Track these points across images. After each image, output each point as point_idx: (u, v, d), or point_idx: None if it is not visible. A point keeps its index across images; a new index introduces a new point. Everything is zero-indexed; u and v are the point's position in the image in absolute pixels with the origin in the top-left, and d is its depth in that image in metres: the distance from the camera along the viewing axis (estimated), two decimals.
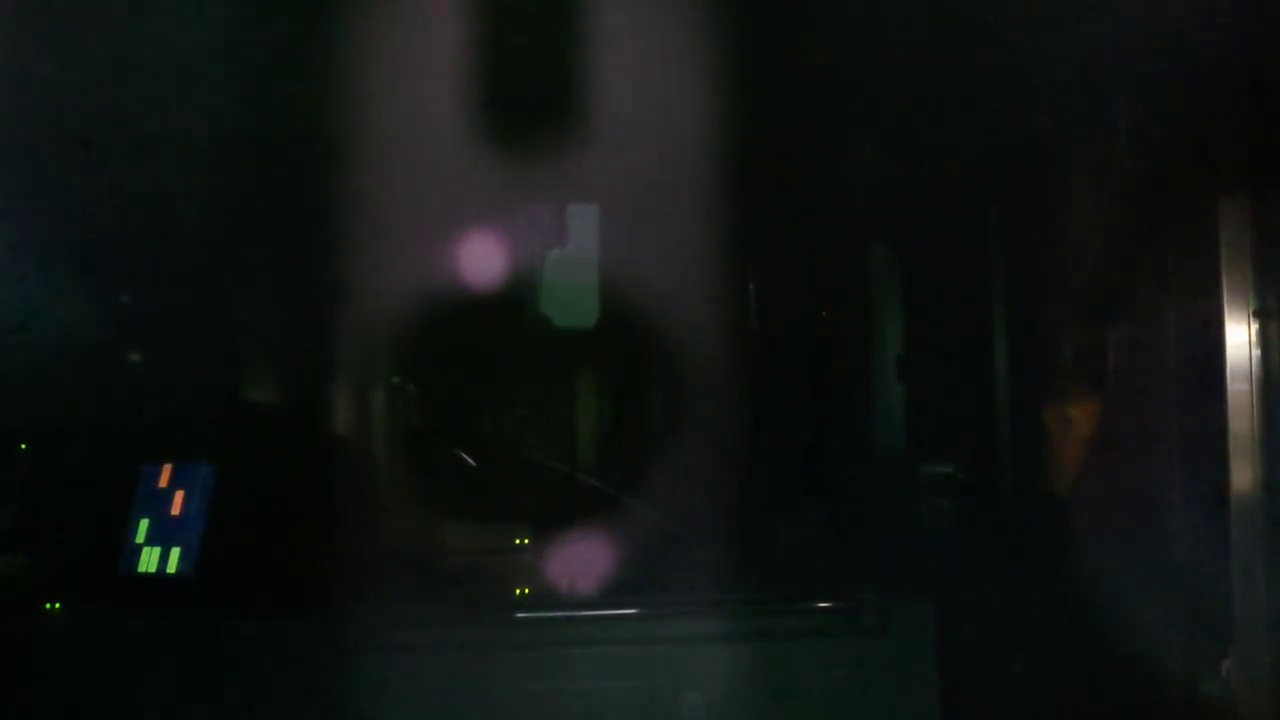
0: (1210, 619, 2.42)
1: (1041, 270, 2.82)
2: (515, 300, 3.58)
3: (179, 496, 3.08)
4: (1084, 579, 2.60)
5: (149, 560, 3.02)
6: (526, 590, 3.14)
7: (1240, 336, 2.40)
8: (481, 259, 3.42)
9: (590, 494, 3.67)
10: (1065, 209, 2.75)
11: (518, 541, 3.34)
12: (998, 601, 2.86)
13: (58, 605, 2.90)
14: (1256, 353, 2.39)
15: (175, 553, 3.00)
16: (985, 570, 2.92)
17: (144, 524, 3.07)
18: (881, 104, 3.20)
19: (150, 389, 3.36)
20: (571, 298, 3.63)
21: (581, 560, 3.16)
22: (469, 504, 3.53)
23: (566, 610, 3.03)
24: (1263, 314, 2.37)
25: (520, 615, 3.00)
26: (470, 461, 3.68)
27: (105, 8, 2.56)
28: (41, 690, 2.68)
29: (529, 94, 2.97)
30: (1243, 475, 2.39)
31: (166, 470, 3.13)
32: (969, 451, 3.06)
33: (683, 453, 3.46)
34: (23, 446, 3.17)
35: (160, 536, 3.04)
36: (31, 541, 3.03)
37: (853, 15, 2.84)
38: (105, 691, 2.68)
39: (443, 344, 3.70)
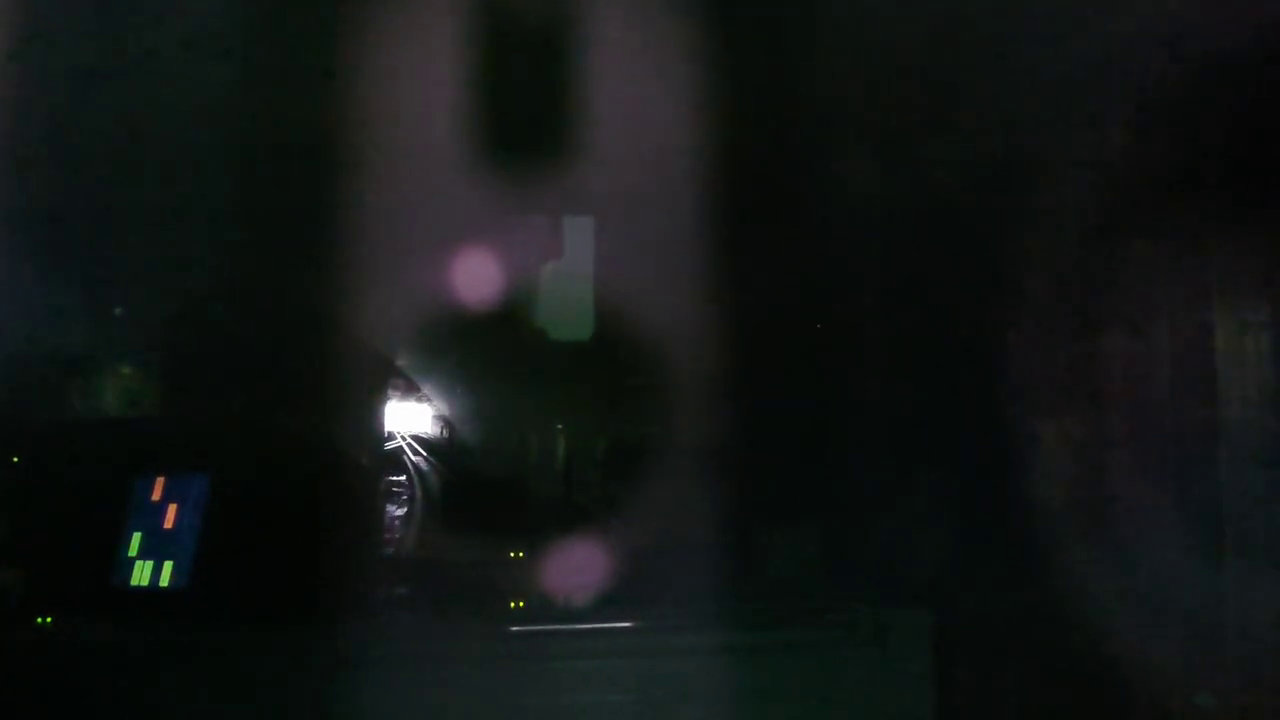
0: (1206, 629, 2.44)
1: (1038, 282, 2.84)
2: (510, 312, 3.58)
3: (172, 510, 3.06)
4: (1081, 589, 2.61)
5: (141, 574, 2.99)
6: (522, 603, 3.13)
7: (1231, 348, 2.42)
8: (476, 272, 3.42)
9: (585, 506, 3.66)
10: (1059, 221, 2.77)
11: (513, 555, 3.33)
12: (995, 612, 2.87)
13: (49, 619, 2.88)
14: (1249, 364, 2.41)
15: (168, 566, 2.98)
16: (982, 581, 2.93)
17: (137, 537, 3.04)
18: (873, 116, 3.22)
19: (143, 401, 3.34)
20: (567, 310, 3.64)
21: (577, 573, 3.15)
22: (464, 517, 3.52)
23: (563, 623, 3.03)
24: (1255, 326, 2.40)
25: (516, 628, 3.00)
26: (455, 476, 3.67)
27: (109, 22, 2.57)
28: (33, 705, 2.66)
29: (526, 107, 2.99)
30: (1236, 485, 2.41)
31: (159, 483, 3.11)
32: (966, 462, 3.07)
33: (678, 464, 3.46)
34: (15, 459, 3.15)
35: (153, 550, 3.02)
36: (23, 555, 3.00)
37: (843, 30, 2.86)
38: (98, 706, 2.66)
39: (436, 356, 3.70)
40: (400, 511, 3.57)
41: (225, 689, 2.70)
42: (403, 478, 3.59)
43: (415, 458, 3.62)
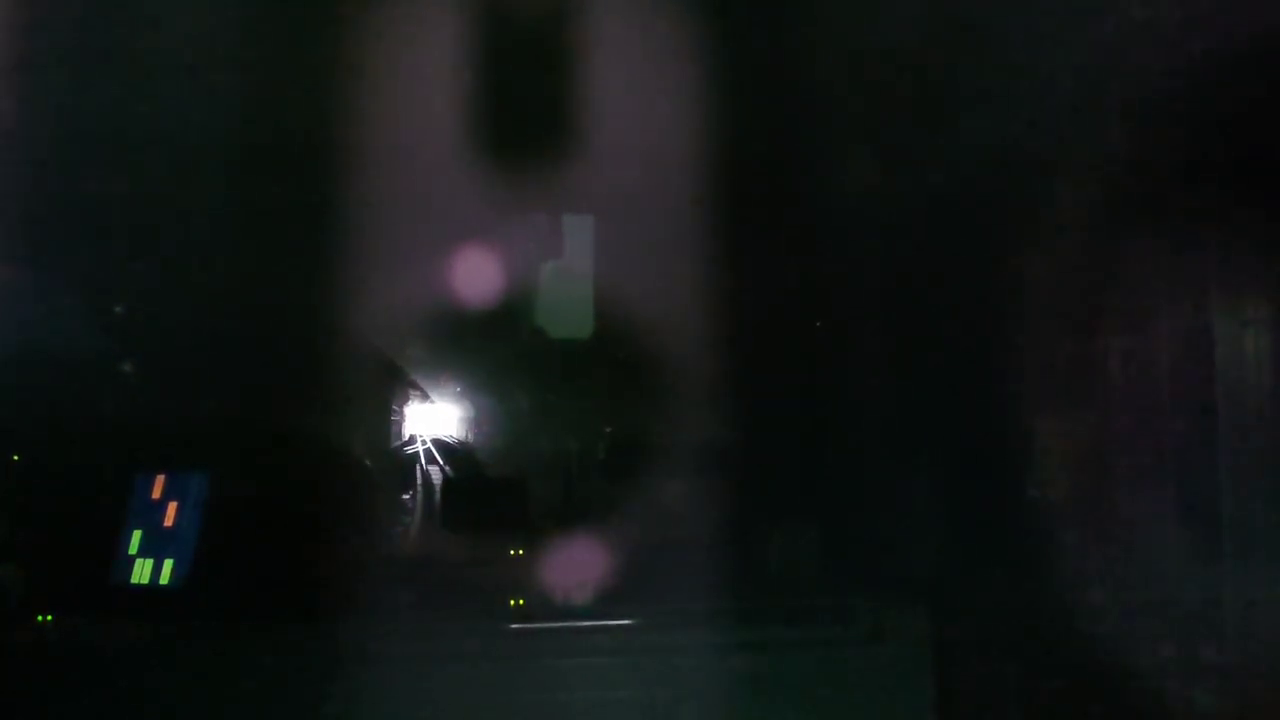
0: (1205, 627, 2.44)
1: (1036, 281, 2.84)
2: (511, 310, 3.58)
3: (172, 508, 3.06)
4: (1078, 587, 2.62)
5: (142, 572, 3.00)
6: (521, 601, 3.13)
7: (1231, 347, 2.42)
8: (477, 270, 3.43)
9: (585, 504, 3.67)
10: (1058, 219, 2.77)
11: (512, 553, 3.33)
12: (993, 610, 2.87)
13: (50, 617, 2.88)
14: (1249, 364, 2.41)
15: (168, 564, 2.98)
16: (981, 579, 2.93)
17: (137, 535, 3.05)
18: (870, 115, 3.22)
19: (144, 400, 3.34)
20: (567, 308, 3.64)
21: (576, 571, 3.16)
22: (465, 515, 3.52)
23: (562, 621, 3.03)
24: (1255, 324, 2.40)
25: (515, 626, 3.00)
26: (457, 474, 3.67)
27: (110, 25, 2.57)
28: (34, 702, 2.66)
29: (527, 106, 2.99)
30: (1234, 484, 2.41)
31: (159, 481, 3.11)
32: (965, 461, 3.08)
33: (678, 463, 3.46)
34: (15, 458, 3.15)
35: (153, 548, 3.02)
36: (24, 553, 3.01)
37: (842, 29, 2.87)
38: (98, 703, 2.66)
39: (437, 355, 3.71)
40: (403, 510, 3.58)
41: (225, 687, 2.70)
42: (407, 487, 3.60)
43: (422, 454, 3.63)
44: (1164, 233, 2.51)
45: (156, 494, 3.10)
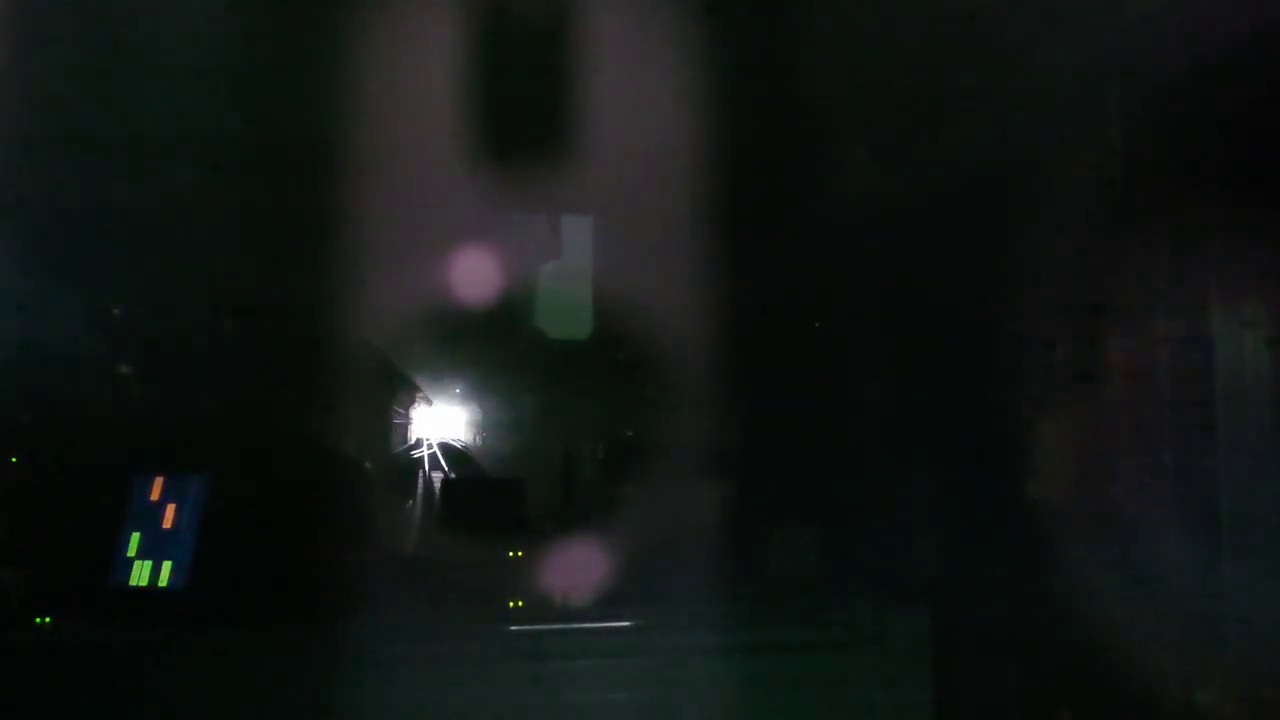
0: (1206, 628, 2.44)
1: (1037, 280, 2.84)
2: (510, 311, 3.59)
3: (171, 509, 3.06)
4: (1079, 588, 2.62)
5: (140, 574, 2.99)
6: (521, 603, 3.13)
7: (1231, 348, 2.42)
8: (476, 270, 3.43)
9: (585, 506, 3.67)
10: (1058, 220, 2.77)
11: (512, 554, 3.33)
12: (995, 611, 2.87)
13: (49, 619, 2.88)
14: (1248, 364, 2.41)
15: (167, 566, 2.98)
16: (982, 580, 2.93)
17: (135, 537, 3.04)
18: (869, 114, 3.23)
19: (143, 401, 3.34)
20: (565, 309, 3.65)
21: (576, 572, 3.16)
22: (465, 516, 3.52)
23: (561, 623, 3.03)
24: (1254, 325, 2.40)
25: (515, 628, 3.00)
26: (456, 475, 3.67)
27: (107, 22, 2.58)
28: (32, 705, 2.65)
29: (525, 107, 3.00)
30: (1235, 484, 2.41)
31: (158, 483, 3.11)
32: (966, 462, 3.08)
33: (678, 464, 3.47)
34: (14, 459, 3.15)
35: (152, 550, 3.02)
36: (23, 555, 3.00)
37: (841, 28, 2.87)
38: (97, 706, 2.65)
39: (436, 357, 3.71)
40: (397, 511, 3.57)
41: (225, 689, 2.70)
42: (407, 488, 3.60)
43: (426, 456, 3.63)
44: (1164, 233, 2.51)
45: (155, 496, 3.10)
